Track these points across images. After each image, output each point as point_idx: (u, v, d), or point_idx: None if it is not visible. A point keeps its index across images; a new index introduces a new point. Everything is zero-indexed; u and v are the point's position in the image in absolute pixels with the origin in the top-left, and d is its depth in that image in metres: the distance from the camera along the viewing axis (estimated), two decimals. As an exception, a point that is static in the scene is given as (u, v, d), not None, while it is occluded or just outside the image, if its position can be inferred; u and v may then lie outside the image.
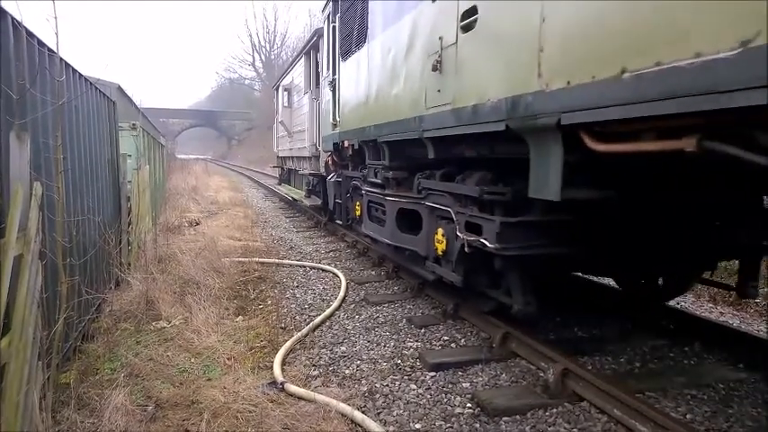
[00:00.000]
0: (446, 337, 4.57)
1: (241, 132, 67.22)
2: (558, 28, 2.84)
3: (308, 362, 4.14)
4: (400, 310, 5.41)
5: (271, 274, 7.01)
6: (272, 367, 3.90)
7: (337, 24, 7.90)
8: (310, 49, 11.99)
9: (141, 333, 4.57)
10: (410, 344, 4.45)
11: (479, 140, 4.13)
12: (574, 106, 2.69)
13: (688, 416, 3.21)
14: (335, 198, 8.72)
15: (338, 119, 7.92)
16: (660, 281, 4.94)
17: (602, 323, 4.81)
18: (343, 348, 4.41)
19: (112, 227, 5.48)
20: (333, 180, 8.82)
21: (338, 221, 9.33)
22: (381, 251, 7.05)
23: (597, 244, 3.78)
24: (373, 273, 7.09)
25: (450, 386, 3.67)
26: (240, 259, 7.48)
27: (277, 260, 7.84)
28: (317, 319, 5.05)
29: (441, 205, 4.62)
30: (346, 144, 7.51)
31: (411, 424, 3.19)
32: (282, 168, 18.21)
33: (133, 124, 8.36)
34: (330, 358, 4.21)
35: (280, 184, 19.18)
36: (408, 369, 3.96)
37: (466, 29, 3.85)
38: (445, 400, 3.48)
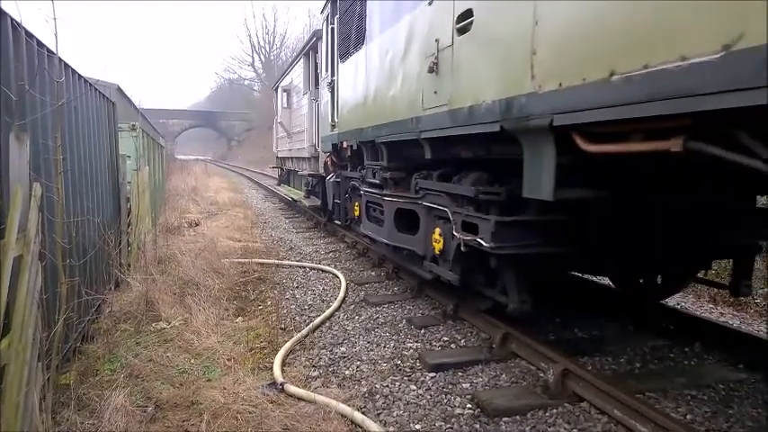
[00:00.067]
0: (446, 338, 4.57)
1: (241, 133, 67.21)
2: (550, 31, 2.89)
3: (307, 362, 4.14)
4: (400, 310, 5.41)
5: (270, 274, 7.00)
6: (271, 368, 3.90)
7: (336, 26, 7.93)
8: (309, 50, 12.01)
9: (141, 334, 4.57)
10: (410, 344, 4.45)
11: (475, 141, 4.18)
12: (566, 108, 2.73)
13: (688, 416, 3.20)
14: (334, 198, 8.73)
15: (337, 120, 7.95)
16: (656, 280, 4.97)
17: (601, 323, 4.81)
18: (342, 349, 4.41)
19: (112, 228, 5.48)
20: (332, 180, 8.83)
21: (337, 222, 9.35)
22: (381, 251, 7.07)
23: (592, 243, 3.82)
24: (373, 273, 7.09)
25: (450, 387, 3.66)
26: (240, 260, 7.48)
27: (277, 261, 7.84)
28: (317, 320, 5.05)
29: (438, 205, 4.65)
30: (345, 145, 7.54)
31: (411, 424, 3.19)
32: (282, 169, 18.21)
33: (133, 125, 8.36)
34: (330, 359, 4.21)
35: (279, 185, 19.19)
36: (408, 370, 3.96)
37: (462, 31, 3.89)
38: (445, 400, 3.48)
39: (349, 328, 4.94)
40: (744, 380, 3.67)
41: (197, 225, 10.73)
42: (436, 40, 4.25)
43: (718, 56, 1.93)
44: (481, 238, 3.79)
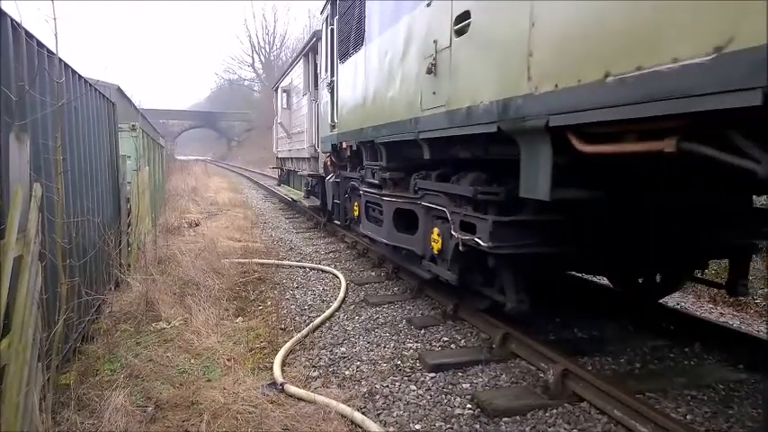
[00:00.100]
0: (446, 338, 4.57)
1: (241, 133, 67.22)
2: (546, 32, 2.91)
3: (307, 363, 4.14)
4: (400, 310, 5.41)
5: (270, 275, 7.01)
6: (271, 368, 3.90)
7: (335, 27, 7.95)
8: (309, 51, 12.01)
9: (141, 334, 4.57)
10: (410, 345, 4.45)
11: (473, 142, 4.20)
12: (561, 109, 2.76)
13: (688, 416, 3.21)
14: (334, 198, 8.74)
15: (336, 120, 7.96)
16: (652, 280, 5.00)
17: (601, 324, 4.82)
18: (342, 349, 4.41)
19: (112, 228, 5.48)
20: (331, 181, 8.84)
21: (337, 222, 9.36)
22: (380, 251, 7.08)
23: (588, 243, 3.84)
24: (373, 274, 7.09)
25: (450, 387, 3.67)
26: (240, 260, 7.48)
27: (277, 261, 7.84)
28: (317, 320, 5.05)
29: (436, 205, 4.67)
30: (344, 145, 7.55)
31: (411, 425, 3.19)
32: (282, 169, 18.22)
33: (133, 125, 8.36)
34: (330, 359, 4.21)
35: (279, 185, 19.19)
36: (408, 370, 3.96)
37: (459, 33, 3.91)
38: (445, 400, 3.48)
39: (349, 328, 4.94)
40: (744, 380, 3.67)
41: (197, 225, 10.73)
42: (434, 42, 4.27)
43: (709, 58, 1.95)
44: (479, 238, 3.81)
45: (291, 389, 3.55)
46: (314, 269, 7.39)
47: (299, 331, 4.74)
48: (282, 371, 3.87)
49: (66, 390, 3.29)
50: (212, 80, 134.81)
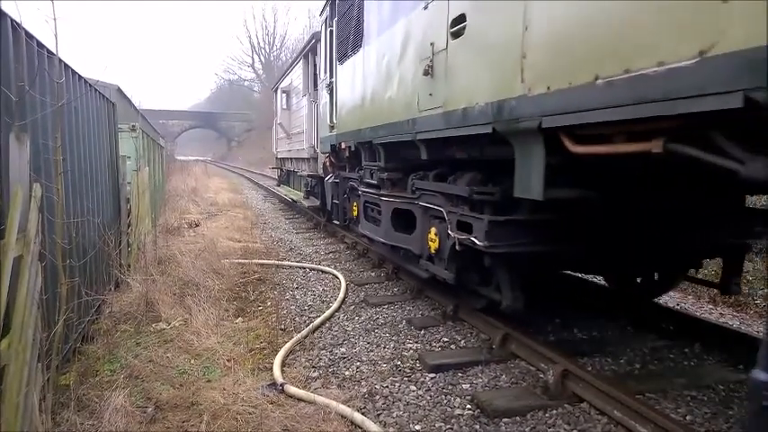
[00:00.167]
0: (446, 339, 4.57)
1: (241, 134, 67.20)
2: (539, 36, 2.97)
3: (307, 363, 4.14)
4: (400, 311, 5.41)
5: (270, 275, 7.01)
6: (271, 369, 3.90)
7: (334, 28, 8.00)
8: (308, 52, 12.02)
9: (141, 334, 4.57)
10: (410, 345, 4.45)
11: (469, 142, 4.25)
12: (553, 110, 2.81)
13: (688, 417, 3.21)
14: (333, 199, 8.77)
15: (335, 121, 8.00)
16: (647, 279, 5.04)
17: (601, 324, 4.82)
18: (342, 350, 4.41)
19: (112, 228, 5.48)
20: (330, 181, 8.86)
21: (336, 222, 9.38)
22: (379, 251, 7.10)
23: (584, 242, 3.88)
24: (373, 274, 7.09)
25: (449, 387, 3.66)
26: (240, 261, 7.48)
27: (277, 262, 7.84)
28: (317, 321, 5.05)
29: (433, 205, 4.72)
30: (343, 146, 7.59)
31: (411, 425, 3.19)
32: (281, 170, 18.23)
33: (132, 126, 8.35)
34: (330, 360, 4.21)
35: (279, 186, 19.20)
36: (408, 370, 3.96)
37: (455, 35, 3.96)
38: (445, 401, 3.48)
39: (349, 328, 4.94)
40: (744, 381, 3.66)
41: (197, 226, 10.73)
42: (431, 44, 4.33)
43: (693, 61, 2.01)
44: (475, 237, 3.86)
45: (291, 389, 3.54)
46: (314, 270, 7.39)
47: (299, 332, 4.74)
48: (282, 371, 3.87)
49: (65, 390, 3.29)
50: (212, 80, 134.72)
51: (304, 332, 4.72)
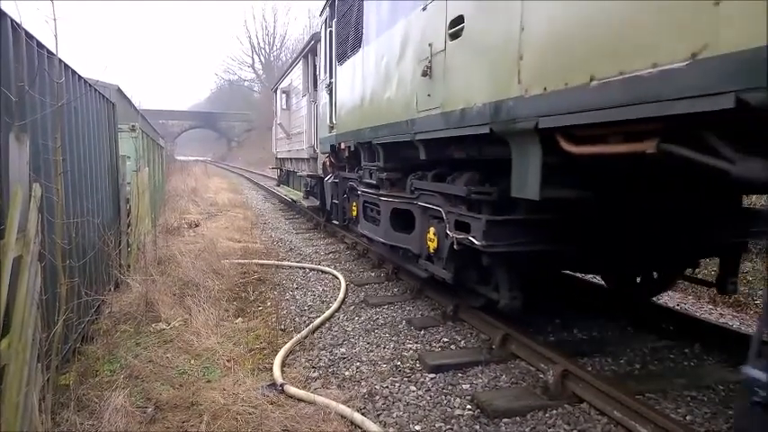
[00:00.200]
0: (446, 339, 4.57)
1: (240, 134, 67.19)
2: (535, 37, 3.00)
3: (307, 363, 4.14)
4: (400, 311, 5.41)
5: (270, 275, 7.01)
6: (271, 369, 3.90)
7: (334, 29, 8.03)
8: (308, 52, 12.04)
9: (141, 335, 4.57)
10: (410, 345, 4.45)
11: (467, 143, 4.28)
12: (550, 111, 2.84)
13: (688, 417, 3.21)
14: (333, 199, 8.79)
15: (335, 121, 8.02)
16: (644, 278, 5.06)
17: (601, 324, 4.82)
18: (342, 350, 4.41)
19: (112, 228, 5.48)
20: (330, 181, 8.88)
21: (335, 222, 9.39)
22: (378, 251, 7.12)
23: (581, 242, 3.90)
24: (373, 274, 7.09)
25: (449, 388, 3.66)
26: (240, 261, 7.48)
27: (276, 262, 7.84)
28: (317, 321, 5.05)
29: (432, 205, 4.74)
30: (343, 146, 7.62)
31: (411, 425, 3.19)
32: (281, 170, 18.24)
33: (132, 126, 8.35)
34: (330, 360, 4.21)
35: (279, 186, 19.20)
36: (408, 371, 3.96)
37: (454, 36, 3.99)
38: (445, 401, 3.48)
39: (349, 329, 4.94)
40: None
41: (197, 226, 10.73)
42: (429, 45, 4.35)
43: (686, 63, 2.04)
44: (473, 237, 3.88)
45: (291, 389, 3.54)
46: (314, 270, 7.39)
47: (299, 332, 4.74)
48: (282, 371, 3.87)
49: (65, 390, 3.29)
50: (212, 81, 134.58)
51: (304, 332, 4.72)
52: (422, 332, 4.75)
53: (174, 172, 21.82)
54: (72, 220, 3.84)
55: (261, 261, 7.71)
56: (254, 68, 67.99)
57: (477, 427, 3.16)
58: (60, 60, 3.74)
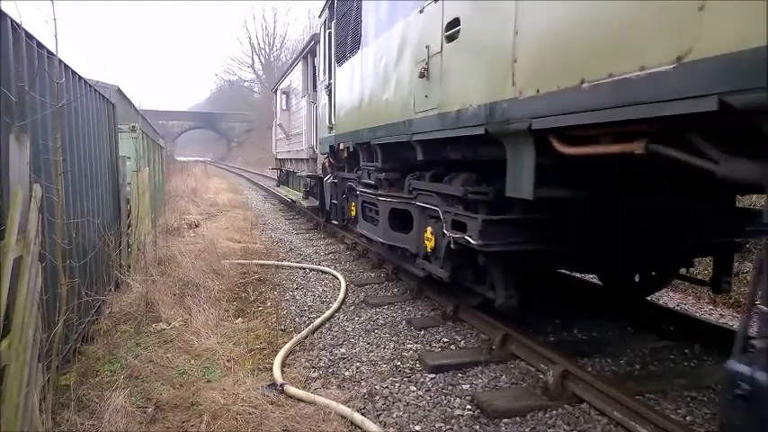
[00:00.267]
0: (446, 339, 4.57)
1: (240, 134, 67.19)
2: (528, 40, 3.06)
3: (307, 364, 4.14)
4: (400, 311, 5.42)
5: (270, 276, 7.01)
6: (271, 369, 3.90)
7: (333, 31, 8.07)
8: (308, 53, 12.07)
9: (141, 335, 4.57)
10: (410, 345, 4.45)
11: (463, 143, 4.33)
12: (543, 112, 2.90)
13: (688, 418, 3.21)
14: (332, 199, 8.82)
15: (334, 122, 8.06)
16: (640, 277, 5.11)
17: (601, 325, 4.83)
18: (342, 350, 4.41)
19: (112, 229, 5.48)
20: (329, 181, 8.91)
21: (334, 222, 9.41)
22: (377, 250, 7.14)
23: (575, 242, 3.94)
24: (373, 275, 7.09)
25: (449, 388, 3.67)
26: (240, 261, 7.48)
27: (276, 262, 7.84)
28: (317, 321, 5.05)
29: (430, 205, 4.79)
30: (342, 146, 7.65)
31: (411, 426, 3.19)
32: (281, 170, 18.26)
33: (132, 126, 8.35)
34: (330, 360, 4.21)
35: (278, 186, 19.22)
36: (408, 371, 3.96)
37: (450, 39, 4.04)
38: (445, 401, 3.48)
39: (349, 329, 4.94)
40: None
41: (197, 226, 10.73)
42: (426, 47, 4.40)
43: (672, 66, 2.09)
44: (469, 236, 3.93)
45: (291, 390, 3.54)
46: (314, 270, 7.39)
47: (299, 332, 4.74)
48: (282, 372, 3.87)
49: (66, 390, 3.29)
50: (212, 81, 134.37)
51: (304, 333, 4.72)
52: (422, 332, 4.75)
53: (174, 172, 21.83)
54: (72, 221, 3.84)
55: (261, 261, 7.71)
56: (253, 69, 68.08)
57: (477, 427, 3.16)
58: (60, 61, 3.75)
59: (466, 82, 3.84)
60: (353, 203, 7.32)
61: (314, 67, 11.33)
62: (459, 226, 4.18)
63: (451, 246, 4.25)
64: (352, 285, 6.46)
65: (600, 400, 3.22)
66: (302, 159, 12.74)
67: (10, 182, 2.57)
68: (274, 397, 3.46)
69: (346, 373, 3.95)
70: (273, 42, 65.14)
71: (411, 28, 4.83)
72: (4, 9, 2.83)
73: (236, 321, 5.09)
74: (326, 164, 9.03)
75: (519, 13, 3.10)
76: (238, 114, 67.33)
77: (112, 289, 5.46)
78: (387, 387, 3.69)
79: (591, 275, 6.11)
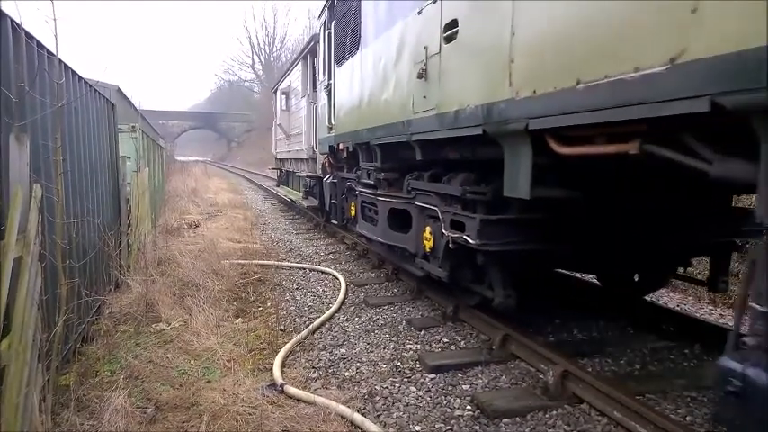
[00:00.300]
0: (446, 339, 4.57)
1: (240, 134, 67.19)
2: (525, 41, 3.09)
3: (307, 364, 4.14)
4: (400, 312, 5.41)
5: (270, 276, 7.01)
6: (271, 369, 3.90)
7: (332, 31, 8.10)
8: (308, 53, 12.09)
9: (141, 335, 4.57)
10: (410, 346, 4.45)
11: (461, 143, 4.36)
12: (539, 113, 2.93)
13: (688, 418, 3.21)
14: (332, 199, 8.84)
15: (333, 122, 8.08)
16: (638, 277, 5.12)
17: (601, 325, 4.83)
18: (342, 350, 4.41)
19: (112, 229, 5.48)
20: (329, 181, 8.93)
21: (334, 221, 9.42)
22: (376, 250, 7.15)
23: (572, 241, 3.96)
24: (373, 275, 7.09)
25: (449, 388, 3.66)
26: (240, 261, 7.48)
27: (276, 262, 7.84)
28: (317, 322, 5.05)
29: (428, 205, 4.81)
30: (341, 146, 7.66)
31: (411, 426, 3.19)
32: (281, 170, 18.27)
33: (132, 126, 8.36)
34: (330, 360, 4.21)
35: (278, 186, 19.22)
36: (408, 371, 3.96)
37: (448, 40, 4.07)
38: (445, 402, 3.48)
39: (349, 329, 4.94)
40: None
41: (197, 226, 10.73)
42: (425, 48, 4.43)
43: (665, 68, 2.11)
44: (468, 236, 3.95)
45: (291, 390, 3.54)
46: (313, 270, 7.39)
47: (299, 332, 4.74)
48: (282, 372, 3.87)
49: (65, 391, 3.29)
50: (212, 81, 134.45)
51: (304, 333, 4.72)
52: (422, 332, 4.75)
53: (173, 172, 21.82)
54: (72, 221, 3.84)
55: (261, 261, 7.71)
56: (253, 69, 68.10)
57: (477, 427, 3.16)
58: (60, 61, 3.75)
59: (464, 83, 3.86)
60: (353, 203, 7.33)
61: (314, 68, 11.34)
62: (457, 226, 4.20)
63: (450, 245, 4.28)
64: (352, 285, 6.46)
65: (600, 401, 3.22)
66: (302, 159, 12.75)
67: (10, 182, 2.57)
68: (274, 397, 3.46)
69: (346, 374, 3.95)
70: (273, 42, 65.23)
71: (410, 29, 4.85)
72: (4, 9, 2.83)
73: (236, 321, 5.08)
74: (326, 164, 9.04)
75: (516, 15, 3.13)
76: (238, 114, 67.34)
77: (112, 289, 5.46)
78: (387, 387, 3.69)
79: (590, 275, 6.11)
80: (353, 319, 5.22)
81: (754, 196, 4.83)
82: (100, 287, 4.90)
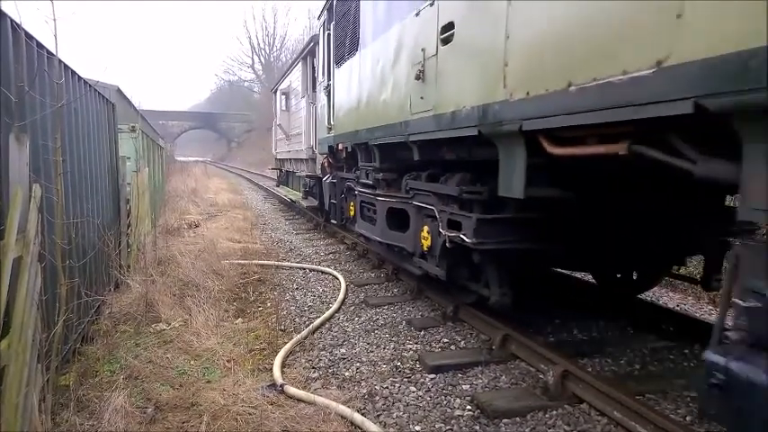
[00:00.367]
0: (446, 339, 4.57)
1: (240, 134, 67.20)
2: (518, 44, 3.15)
3: (307, 364, 4.14)
4: (400, 312, 5.41)
5: (270, 276, 7.00)
6: (271, 369, 3.90)
7: (332, 32, 8.15)
8: (307, 54, 12.10)
9: (141, 335, 4.57)
10: (410, 346, 4.45)
11: (458, 144, 4.40)
12: (533, 114, 2.98)
13: (688, 418, 3.20)
14: (331, 199, 8.86)
15: (333, 122, 8.12)
16: (630, 275, 5.16)
17: (601, 325, 4.83)
18: (342, 350, 4.41)
19: (112, 229, 5.48)
20: (328, 181, 8.95)
21: (333, 221, 9.43)
22: (375, 250, 7.18)
23: (566, 240, 4.00)
24: (373, 275, 7.09)
25: (449, 388, 3.66)
26: (240, 261, 7.47)
27: (276, 262, 7.84)
28: (317, 322, 5.05)
29: (426, 204, 4.86)
30: (340, 147, 7.70)
31: (411, 426, 3.18)
32: (281, 170, 18.26)
33: (132, 126, 8.36)
34: (330, 360, 4.21)
35: (278, 186, 19.22)
36: (408, 371, 3.96)
37: (445, 42, 4.12)
38: (445, 402, 3.48)
39: (349, 329, 4.94)
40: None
41: (197, 226, 10.73)
42: (422, 50, 4.48)
43: (652, 71, 2.17)
44: (464, 235, 4.01)
45: (291, 390, 3.54)
46: (313, 270, 7.39)
47: (299, 332, 4.73)
48: (282, 372, 3.87)
49: (65, 391, 3.29)
50: (212, 81, 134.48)
51: (304, 333, 4.72)
52: (422, 333, 4.75)
53: (173, 172, 21.83)
54: (72, 221, 3.84)
55: (261, 261, 7.71)
56: (253, 69, 68.09)
57: (477, 427, 3.16)
58: (60, 61, 3.74)
59: (460, 84, 3.91)
60: (352, 203, 7.35)
61: (313, 68, 11.35)
62: (454, 225, 4.25)
63: (447, 244, 4.34)
64: (352, 286, 6.46)
65: (600, 401, 3.22)
66: (302, 159, 12.75)
67: (10, 182, 2.57)
68: (274, 397, 3.46)
69: (346, 374, 3.95)
70: (273, 42, 65.22)
71: (407, 30, 4.89)
72: (4, 9, 2.83)
73: (236, 322, 5.08)
74: (326, 164, 9.06)
75: (510, 18, 3.18)
76: (238, 114, 67.34)
77: (112, 289, 5.46)
78: (387, 387, 3.69)
79: (590, 276, 6.11)
80: (353, 319, 5.22)
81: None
82: (100, 287, 4.90)
